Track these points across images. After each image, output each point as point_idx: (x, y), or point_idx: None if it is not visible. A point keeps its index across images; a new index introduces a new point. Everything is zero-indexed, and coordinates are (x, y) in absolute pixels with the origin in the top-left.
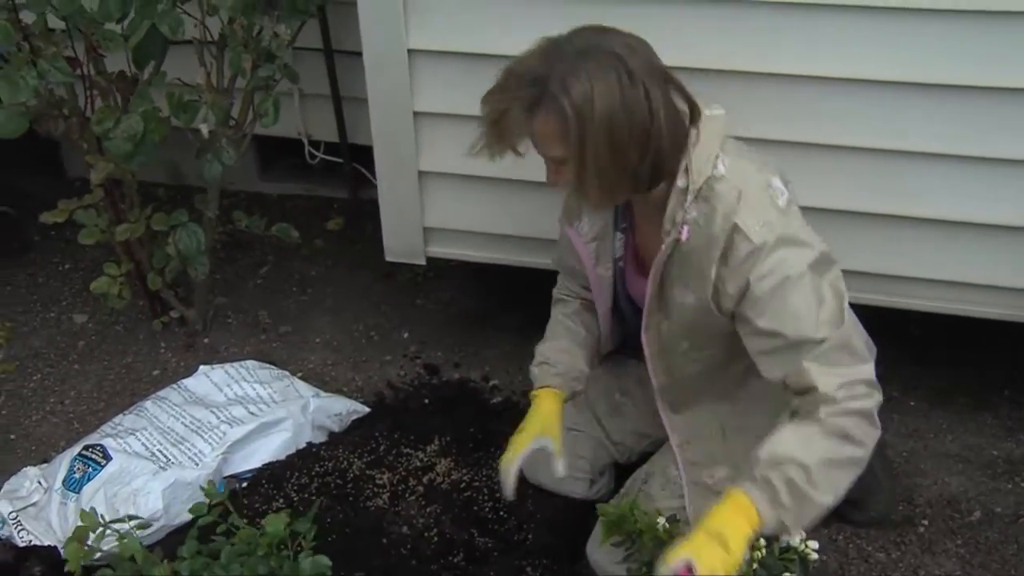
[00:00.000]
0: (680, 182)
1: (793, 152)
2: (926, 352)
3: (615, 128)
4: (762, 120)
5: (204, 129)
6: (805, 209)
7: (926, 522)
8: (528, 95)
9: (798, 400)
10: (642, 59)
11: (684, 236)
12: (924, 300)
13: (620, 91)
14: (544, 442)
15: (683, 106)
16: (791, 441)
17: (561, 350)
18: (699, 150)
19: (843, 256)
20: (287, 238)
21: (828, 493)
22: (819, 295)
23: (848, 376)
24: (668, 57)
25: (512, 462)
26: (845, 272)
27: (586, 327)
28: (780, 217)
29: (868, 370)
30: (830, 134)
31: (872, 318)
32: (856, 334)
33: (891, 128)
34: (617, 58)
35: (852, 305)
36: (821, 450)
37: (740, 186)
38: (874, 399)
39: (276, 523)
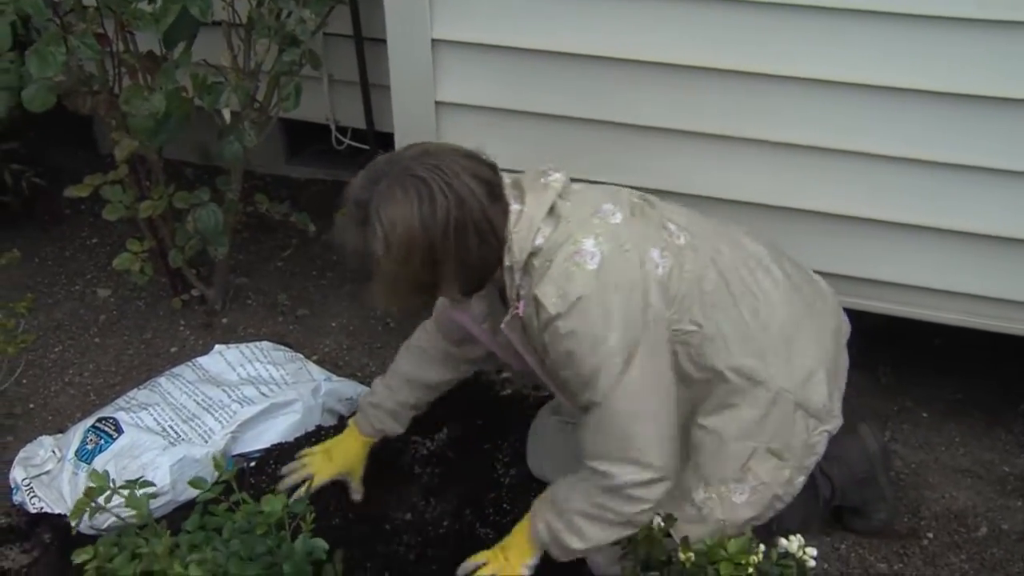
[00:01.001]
0: (507, 261)
1: (813, 157)
2: (943, 365)
3: (414, 249)
4: (787, 125)
5: (226, 113)
6: (828, 216)
7: (931, 535)
8: (357, 216)
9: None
10: (450, 181)
11: (521, 310)
12: (946, 312)
13: (420, 218)
14: (346, 476)
15: (508, 198)
16: (562, 489)
17: (386, 408)
18: (520, 227)
19: (864, 265)
20: (304, 227)
21: (580, 540)
22: (612, 361)
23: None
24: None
25: (312, 488)
26: (867, 281)
27: (424, 391)
28: (585, 284)
29: (636, 469)
30: (852, 141)
31: (893, 328)
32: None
33: (914, 137)
34: (423, 184)
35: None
36: (577, 504)
37: (552, 256)
38: (627, 479)
39: (274, 503)
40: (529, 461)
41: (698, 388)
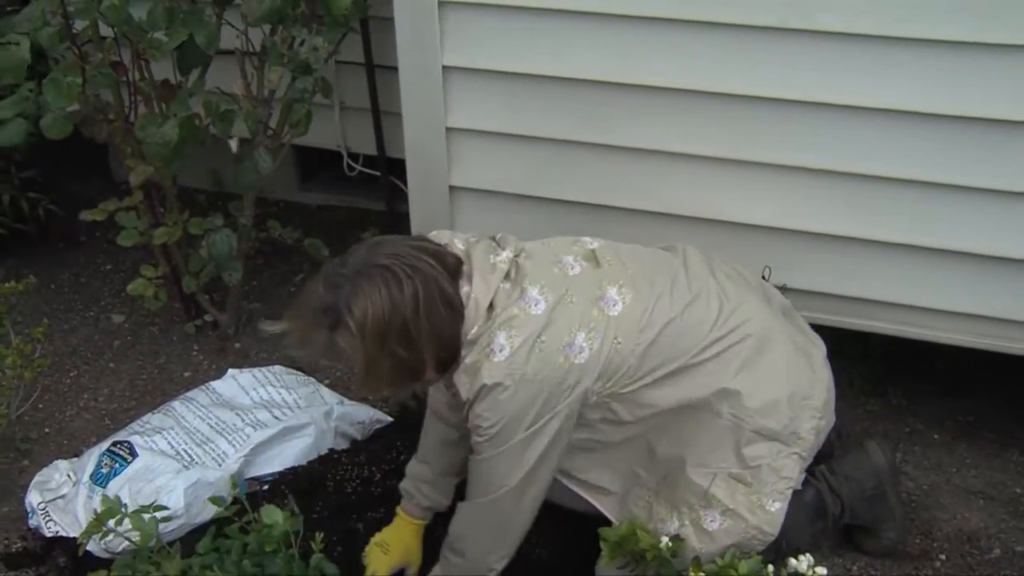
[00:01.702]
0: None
1: (817, 179)
2: (953, 386)
3: (389, 331)
4: (790, 148)
5: (233, 143)
6: (829, 237)
7: (943, 557)
8: (328, 321)
9: None
10: (411, 262)
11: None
12: (952, 333)
13: (390, 300)
14: (405, 566)
15: (460, 280)
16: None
17: (427, 481)
18: (468, 311)
19: (863, 286)
20: (317, 254)
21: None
22: (503, 436)
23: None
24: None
25: None
26: (868, 302)
27: (456, 449)
28: (491, 373)
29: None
30: (851, 163)
31: (902, 350)
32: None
33: (912, 159)
34: (386, 270)
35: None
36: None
37: (472, 348)
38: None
39: (275, 515)
40: None
41: (642, 426)
